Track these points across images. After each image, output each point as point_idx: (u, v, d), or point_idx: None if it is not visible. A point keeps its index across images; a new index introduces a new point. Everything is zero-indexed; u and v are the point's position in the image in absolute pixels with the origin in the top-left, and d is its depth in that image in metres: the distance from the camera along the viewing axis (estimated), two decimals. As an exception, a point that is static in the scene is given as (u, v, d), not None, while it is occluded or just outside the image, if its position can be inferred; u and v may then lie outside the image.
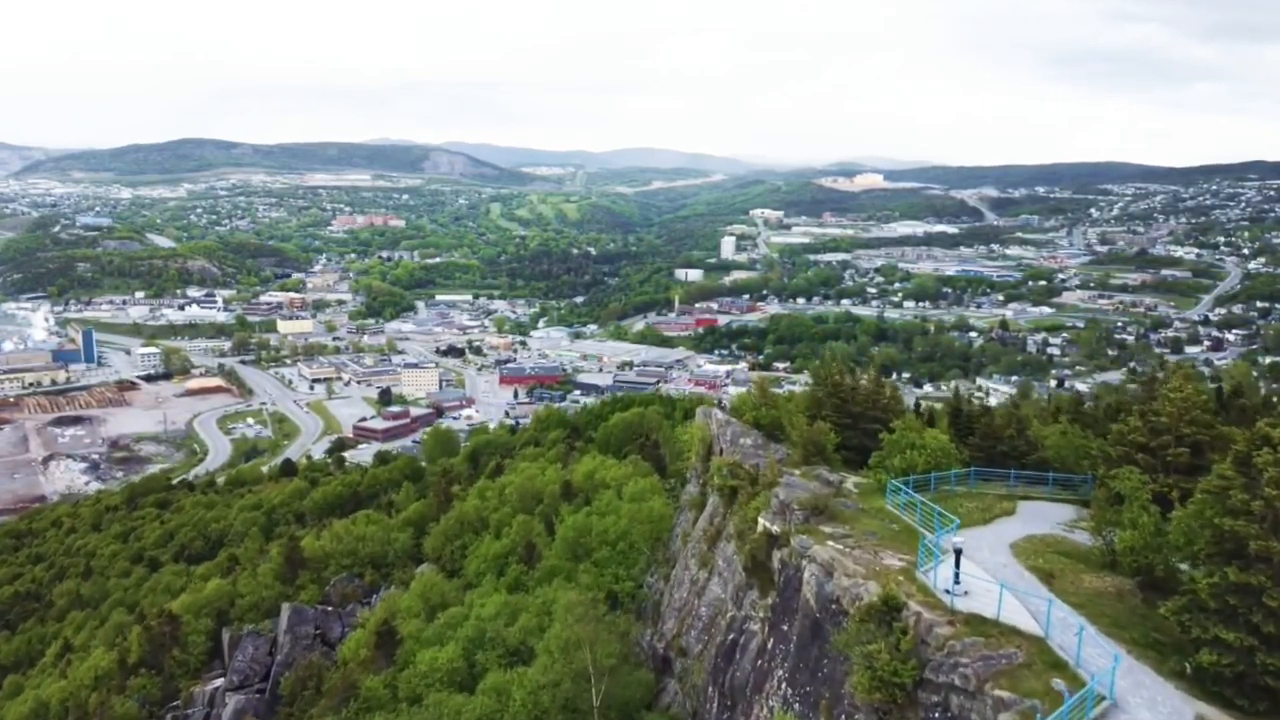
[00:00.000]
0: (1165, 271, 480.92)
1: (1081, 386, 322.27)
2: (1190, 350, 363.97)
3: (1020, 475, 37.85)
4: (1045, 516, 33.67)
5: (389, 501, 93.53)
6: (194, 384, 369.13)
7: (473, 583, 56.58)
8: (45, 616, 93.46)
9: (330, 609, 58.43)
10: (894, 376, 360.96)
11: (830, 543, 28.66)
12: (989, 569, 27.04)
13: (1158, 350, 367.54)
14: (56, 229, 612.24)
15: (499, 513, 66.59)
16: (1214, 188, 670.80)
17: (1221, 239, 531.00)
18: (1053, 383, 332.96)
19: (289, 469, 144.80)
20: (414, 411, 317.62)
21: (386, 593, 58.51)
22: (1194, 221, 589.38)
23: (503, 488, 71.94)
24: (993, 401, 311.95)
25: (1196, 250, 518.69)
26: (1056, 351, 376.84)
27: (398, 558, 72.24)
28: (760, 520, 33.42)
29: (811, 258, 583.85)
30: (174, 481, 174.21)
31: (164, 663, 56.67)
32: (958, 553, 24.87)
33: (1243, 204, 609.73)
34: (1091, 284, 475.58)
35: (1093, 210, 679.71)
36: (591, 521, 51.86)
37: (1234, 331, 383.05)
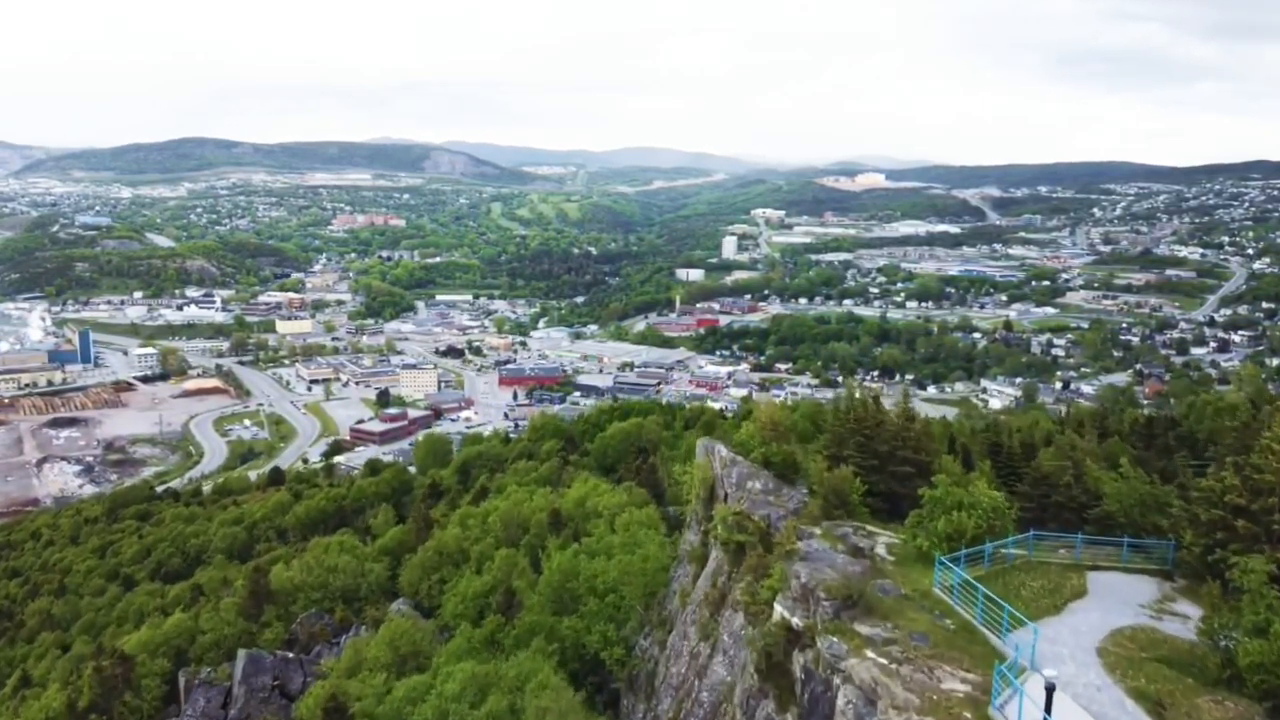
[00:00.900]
0: (1170, 272, 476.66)
1: (1087, 388, 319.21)
2: (1196, 351, 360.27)
3: (1085, 538, 32.08)
4: (1124, 596, 28.35)
5: (366, 526, 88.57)
6: (191, 385, 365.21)
7: (449, 625, 51.83)
8: (15, 637, 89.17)
9: (291, 656, 53.66)
10: (897, 378, 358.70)
11: (870, 653, 22.86)
12: (1081, 697, 21.30)
13: (1163, 351, 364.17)
14: (55, 228, 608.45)
15: (481, 544, 61.85)
16: (1217, 187, 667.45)
17: (1226, 239, 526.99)
18: (1058, 384, 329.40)
19: (277, 478, 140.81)
20: (412, 413, 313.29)
21: (354, 637, 53.75)
22: (1197, 221, 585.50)
23: (486, 514, 67.08)
24: (996, 404, 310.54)
25: (1201, 250, 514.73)
26: (1061, 353, 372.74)
27: (371, 591, 67.22)
28: (777, 607, 27.50)
29: (813, 257, 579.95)
30: (160, 488, 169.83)
31: (114, 709, 52.47)
32: (1049, 690, 19.20)
33: (1246, 204, 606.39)
34: (1095, 284, 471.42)
35: (1095, 210, 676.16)
36: (580, 564, 46.79)
37: (1240, 333, 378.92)
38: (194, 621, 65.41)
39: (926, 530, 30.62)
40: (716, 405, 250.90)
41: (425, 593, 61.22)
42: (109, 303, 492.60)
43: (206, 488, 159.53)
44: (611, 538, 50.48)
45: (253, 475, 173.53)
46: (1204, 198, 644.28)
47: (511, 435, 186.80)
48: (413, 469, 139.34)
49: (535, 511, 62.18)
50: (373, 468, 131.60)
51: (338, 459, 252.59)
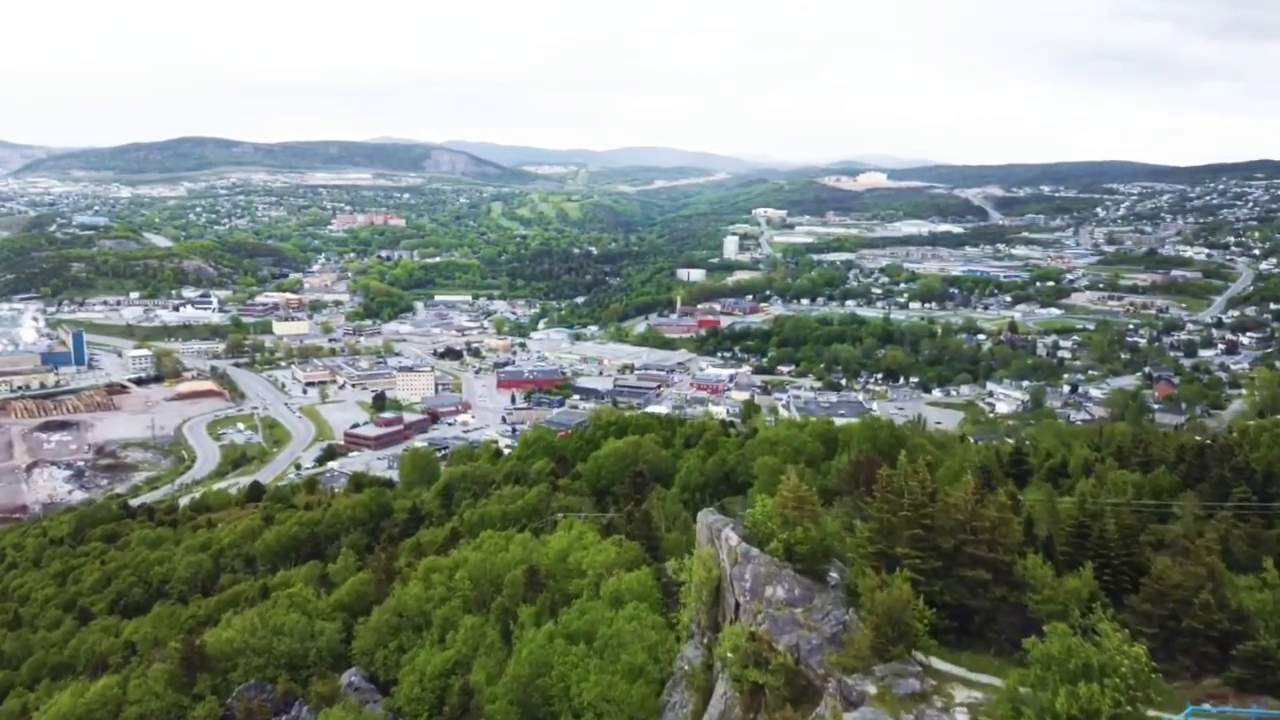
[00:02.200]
0: (1175, 272, 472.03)
1: (1096, 391, 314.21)
2: (1204, 354, 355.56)
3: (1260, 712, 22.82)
4: None
5: (324, 573, 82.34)
6: (185, 387, 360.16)
7: (404, 710, 45.40)
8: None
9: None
10: (901, 380, 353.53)
11: None
12: None
13: (1171, 354, 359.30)
14: (52, 228, 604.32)
15: (446, 606, 54.74)
16: (1221, 187, 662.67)
17: (1231, 239, 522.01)
18: (1066, 388, 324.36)
19: (256, 493, 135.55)
20: (408, 417, 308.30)
21: (293, 718, 48.41)
22: (1202, 221, 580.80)
23: (455, 567, 59.84)
24: (1003, 408, 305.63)
25: (1206, 250, 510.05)
26: (1067, 355, 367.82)
27: (321, 658, 58.86)
28: None
29: (815, 257, 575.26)
30: (136, 501, 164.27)
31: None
32: None
33: (1250, 203, 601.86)
34: (1100, 284, 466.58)
35: (1099, 210, 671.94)
36: (553, 652, 40.16)
37: (1248, 334, 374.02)
38: (121, 689, 58.58)
39: (1040, 709, 21.41)
40: (718, 410, 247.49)
41: (381, 663, 54.54)
42: (105, 303, 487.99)
43: (185, 500, 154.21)
44: (595, 607, 44.85)
45: (235, 487, 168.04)
46: (1208, 197, 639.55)
47: (506, 441, 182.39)
48: (395, 482, 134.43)
49: (510, 566, 55.70)
50: (356, 483, 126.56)
51: (330, 464, 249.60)
